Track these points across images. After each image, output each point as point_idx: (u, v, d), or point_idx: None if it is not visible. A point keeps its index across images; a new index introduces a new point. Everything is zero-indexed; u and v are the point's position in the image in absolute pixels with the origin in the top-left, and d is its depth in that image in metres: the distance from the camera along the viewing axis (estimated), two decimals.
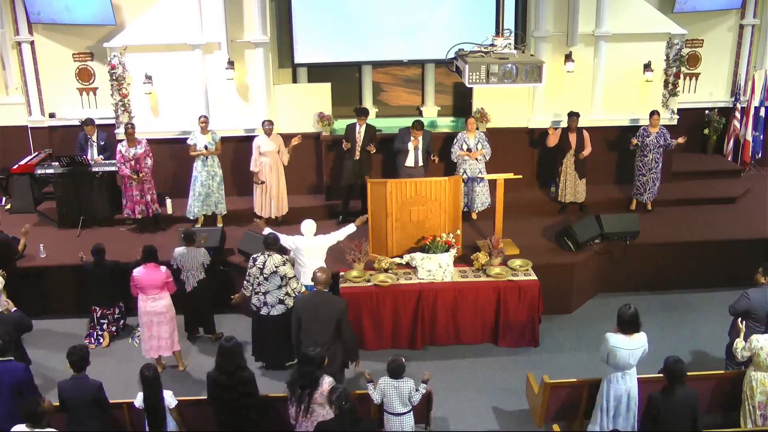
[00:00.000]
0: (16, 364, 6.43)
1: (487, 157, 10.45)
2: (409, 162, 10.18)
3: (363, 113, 10.35)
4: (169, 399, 6.26)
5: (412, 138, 10.12)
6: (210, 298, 8.80)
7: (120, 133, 10.80)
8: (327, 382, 6.05)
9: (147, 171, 10.16)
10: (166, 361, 8.43)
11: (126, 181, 10.19)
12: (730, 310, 7.31)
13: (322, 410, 6.03)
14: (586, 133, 10.63)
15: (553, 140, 10.67)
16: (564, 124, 10.76)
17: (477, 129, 10.56)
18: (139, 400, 6.25)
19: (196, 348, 8.87)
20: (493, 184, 9.56)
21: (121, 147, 10.14)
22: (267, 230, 8.46)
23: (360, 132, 10.30)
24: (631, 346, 6.31)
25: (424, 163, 10.25)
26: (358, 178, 10.38)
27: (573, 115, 10.54)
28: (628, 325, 6.29)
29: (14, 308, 7.26)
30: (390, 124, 11.43)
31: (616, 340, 6.33)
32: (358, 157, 10.30)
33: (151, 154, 10.21)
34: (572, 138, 10.56)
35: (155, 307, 8.01)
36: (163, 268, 8.06)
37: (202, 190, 10.27)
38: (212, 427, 6.49)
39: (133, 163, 10.08)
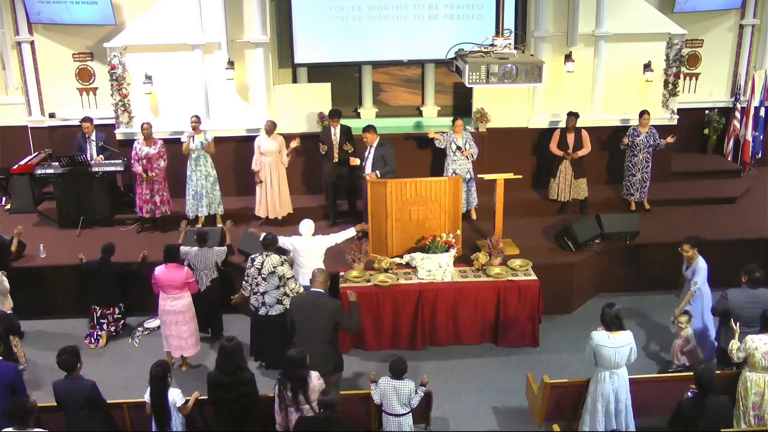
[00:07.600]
0: (6, 363, 6.44)
1: (474, 157, 10.41)
2: (367, 170, 9.85)
3: (336, 115, 10.28)
4: (176, 397, 6.24)
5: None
6: (220, 298, 8.77)
7: (120, 133, 10.86)
8: (315, 376, 6.12)
9: (158, 172, 10.17)
10: (175, 360, 8.41)
11: (138, 179, 10.24)
12: (712, 310, 7.38)
13: (310, 411, 6.06)
14: (585, 133, 10.61)
15: (554, 142, 10.67)
16: (562, 124, 10.76)
17: (464, 129, 10.52)
18: (146, 396, 6.27)
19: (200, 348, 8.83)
20: (490, 184, 9.53)
21: (137, 144, 10.19)
22: (263, 236, 8.41)
23: (335, 134, 10.26)
24: (615, 344, 6.35)
25: (383, 175, 9.57)
26: (339, 179, 10.37)
27: (571, 115, 10.53)
28: (611, 323, 6.36)
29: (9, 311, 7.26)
30: (390, 125, 11.45)
31: (599, 338, 6.39)
32: (336, 160, 10.27)
33: (165, 156, 10.22)
34: (570, 138, 10.54)
35: (174, 306, 8.04)
36: (186, 269, 8.09)
37: (195, 189, 10.28)
38: (214, 427, 6.50)
39: (144, 161, 10.10)
